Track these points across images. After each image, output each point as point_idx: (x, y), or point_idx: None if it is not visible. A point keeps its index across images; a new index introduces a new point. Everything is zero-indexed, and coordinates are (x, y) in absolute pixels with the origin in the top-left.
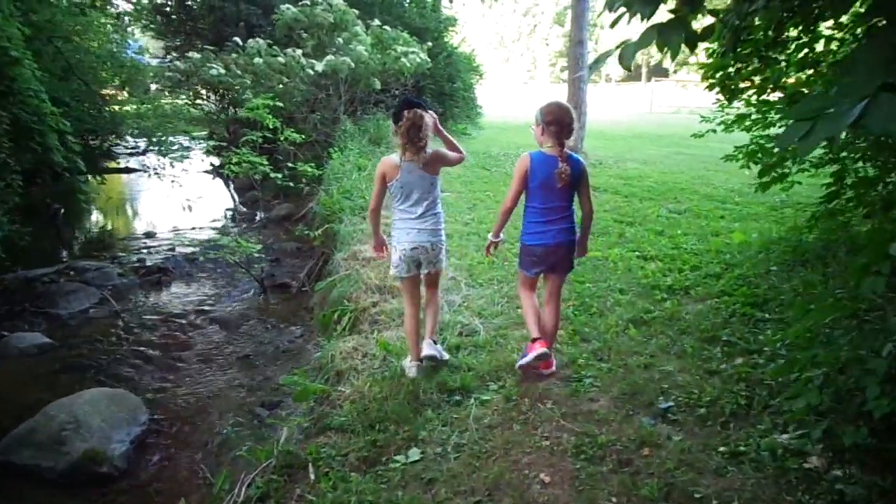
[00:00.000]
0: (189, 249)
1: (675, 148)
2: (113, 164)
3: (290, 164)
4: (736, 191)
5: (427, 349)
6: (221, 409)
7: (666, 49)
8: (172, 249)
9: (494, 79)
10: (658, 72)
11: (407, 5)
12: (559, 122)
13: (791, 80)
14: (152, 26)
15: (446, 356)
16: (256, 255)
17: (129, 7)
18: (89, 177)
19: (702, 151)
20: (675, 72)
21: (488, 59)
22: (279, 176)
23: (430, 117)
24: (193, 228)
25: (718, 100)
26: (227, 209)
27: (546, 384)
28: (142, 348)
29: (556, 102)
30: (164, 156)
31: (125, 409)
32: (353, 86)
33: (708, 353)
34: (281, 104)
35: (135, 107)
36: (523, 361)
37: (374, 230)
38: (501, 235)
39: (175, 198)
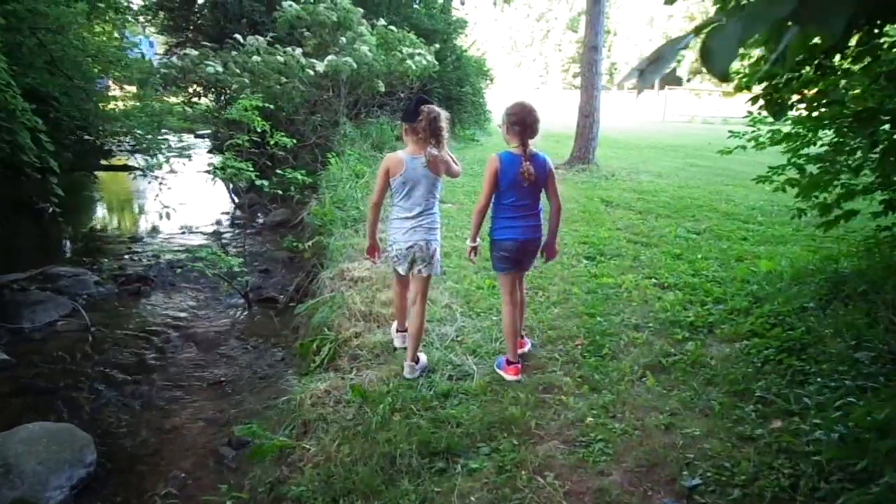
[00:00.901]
0: (175, 256)
1: (691, 159)
2: (104, 162)
3: (278, 171)
4: (758, 209)
5: (407, 373)
6: (184, 446)
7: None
8: (158, 255)
9: (506, 84)
10: (670, 80)
11: (416, 6)
12: (522, 122)
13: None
14: (153, 21)
15: (419, 373)
16: (238, 268)
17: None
18: (94, 174)
19: (718, 164)
20: (688, 80)
21: (500, 63)
22: (264, 183)
23: (446, 113)
24: (184, 232)
25: (749, 112)
26: (223, 212)
27: (548, 449)
28: (107, 369)
29: (520, 103)
30: (152, 156)
31: (69, 448)
32: (356, 88)
33: (740, 413)
34: (272, 105)
35: (122, 104)
36: (502, 373)
37: (371, 230)
38: (478, 240)
39: (168, 199)
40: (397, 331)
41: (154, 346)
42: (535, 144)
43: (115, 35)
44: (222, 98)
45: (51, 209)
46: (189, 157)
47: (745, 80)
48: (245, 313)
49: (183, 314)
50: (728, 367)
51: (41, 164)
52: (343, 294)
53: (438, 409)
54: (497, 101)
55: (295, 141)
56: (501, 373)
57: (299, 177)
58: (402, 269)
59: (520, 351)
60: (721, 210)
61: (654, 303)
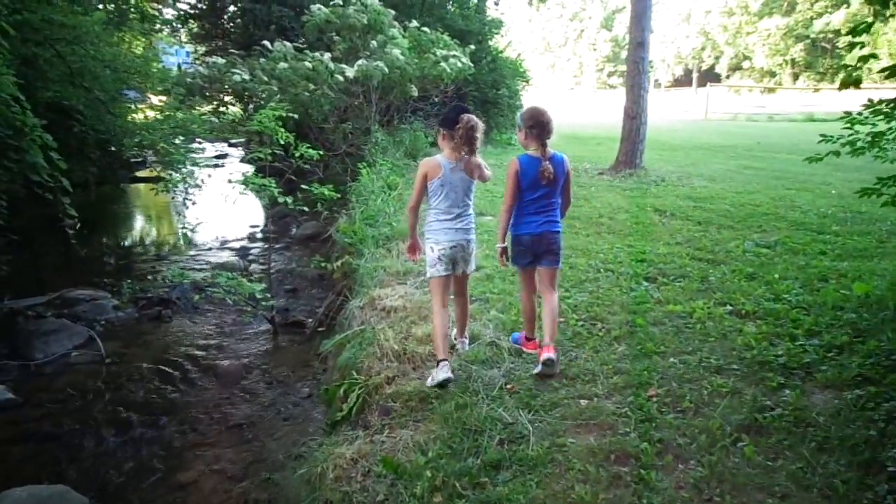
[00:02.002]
0: (200, 275)
1: (743, 161)
2: (139, 174)
3: (303, 186)
4: (829, 217)
5: (459, 348)
6: None
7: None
8: (182, 275)
9: (540, 85)
10: (709, 77)
11: (450, 7)
12: (539, 123)
13: None
14: (182, 30)
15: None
16: (260, 294)
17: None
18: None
19: (773, 166)
20: (727, 77)
21: (534, 64)
22: (287, 200)
23: (482, 125)
24: (211, 249)
25: (847, 113)
26: (253, 225)
27: None
28: (119, 409)
29: (532, 107)
30: (176, 170)
31: None
32: (388, 93)
33: (871, 496)
34: (295, 115)
35: (142, 115)
36: (517, 343)
37: (411, 230)
38: (506, 241)
39: (196, 212)
40: (438, 362)
41: (171, 380)
42: (553, 145)
43: (145, 44)
44: (250, 107)
45: (77, 225)
46: (219, 167)
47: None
48: (271, 340)
49: (204, 342)
50: (842, 426)
51: (53, 182)
52: (374, 328)
53: (489, 486)
54: (533, 103)
55: (322, 152)
56: (520, 346)
57: (326, 192)
58: (443, 270)
59: (544, 356)
60: (789, 219)
61: (734, 337)
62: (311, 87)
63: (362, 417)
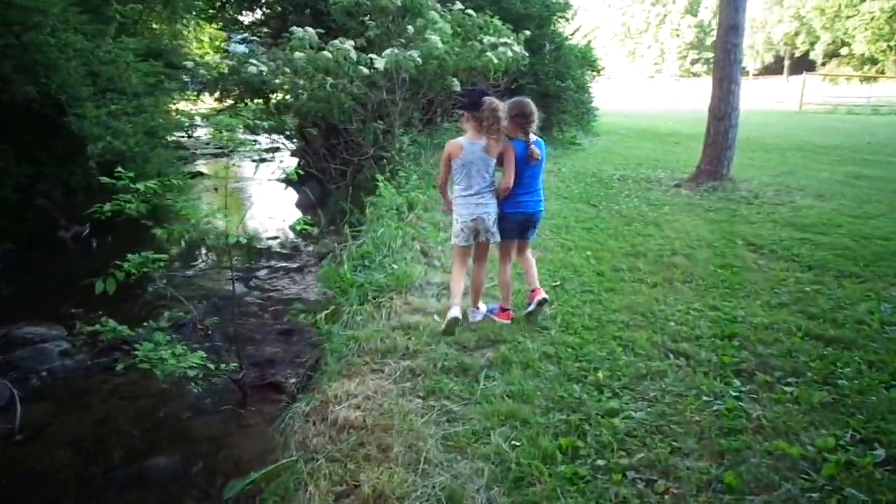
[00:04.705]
0: (182, 309)
1: (852, 167)
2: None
3: (284, 219)
4: None
5: (470, 317)
6: None
7: None
8: (114, 330)
9: (617, 74)
10: (802, 64)
11: None
12: (521, 113)
13: None
14: (202, 15)
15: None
16: (197, 364)
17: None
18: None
19: (890, 173)
20: (822, 64)
21: (612, 51)
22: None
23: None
24: (206, 269)
25: None
26: (271, 237)
27: None
28: None
29: (518, 99)
30: (162, 184)
31: None
32: (421, 87)
33: None
34: (264, 122)
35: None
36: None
37: (444, 197)
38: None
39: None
40: (453, 305)
41: (84, 478)
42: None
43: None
44: (271, 102)
45: (85, 232)
46: (266, 160)
47: None
48: (236, 412)
49: (149, 414)
50: None
51: None
52: (307, 469)
53: None
54: (607, 96)
55: (300, 171)
56: (494, 317)
57: (308, 228)
58: (464, 241)
59: (538, 298)
60: None
61: None
62: (331, 80)
63: None
